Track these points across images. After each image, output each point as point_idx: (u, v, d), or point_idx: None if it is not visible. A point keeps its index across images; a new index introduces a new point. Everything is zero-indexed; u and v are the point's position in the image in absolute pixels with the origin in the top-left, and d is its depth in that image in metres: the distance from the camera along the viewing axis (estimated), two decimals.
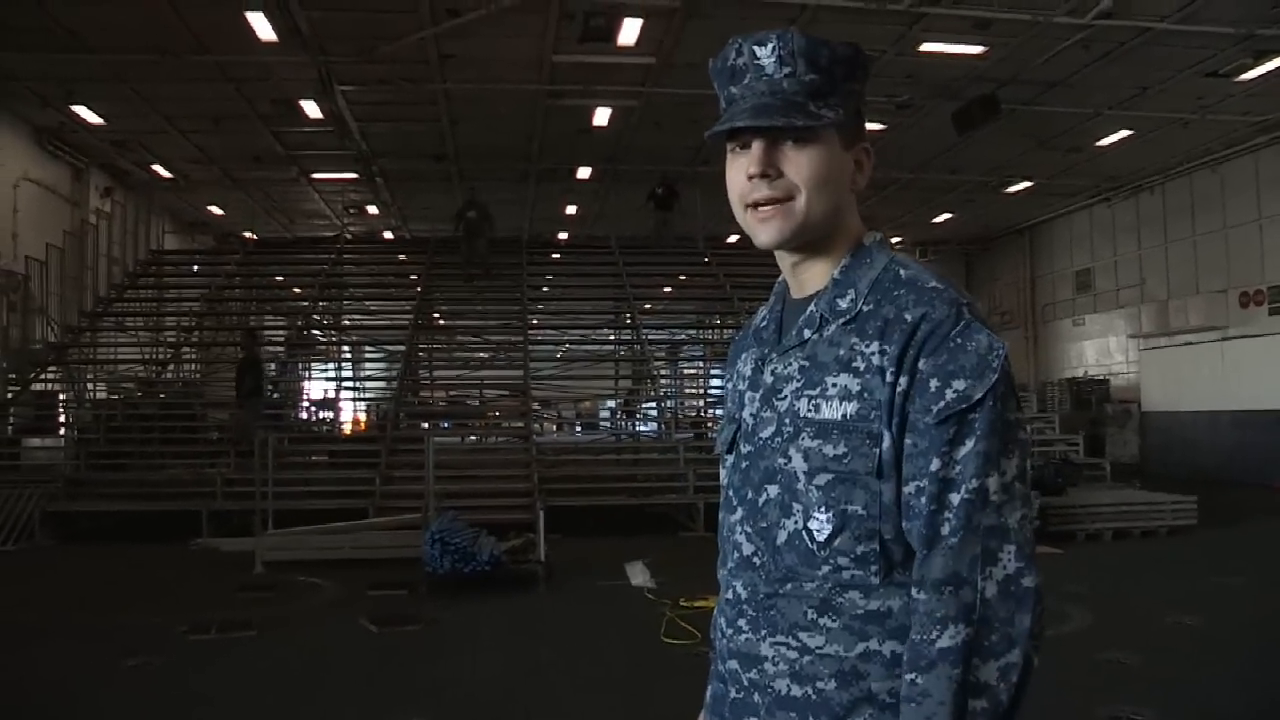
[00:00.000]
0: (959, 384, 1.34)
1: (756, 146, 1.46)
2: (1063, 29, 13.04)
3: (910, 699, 1.31)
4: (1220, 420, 18.02)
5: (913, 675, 1.32)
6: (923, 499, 1.35)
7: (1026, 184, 21.89)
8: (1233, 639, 6.85)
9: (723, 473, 1.62)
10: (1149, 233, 22.43)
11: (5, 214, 16.47)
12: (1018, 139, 18.11)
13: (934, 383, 1.35)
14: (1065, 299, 26.15)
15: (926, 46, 13.95)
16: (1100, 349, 24.76)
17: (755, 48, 1.46)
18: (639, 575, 9.08)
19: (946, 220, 25.87)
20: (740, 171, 1.48)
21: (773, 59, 1.45)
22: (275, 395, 16.79)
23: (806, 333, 1.49)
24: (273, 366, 18.00)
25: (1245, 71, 14.67)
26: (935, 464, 1.34)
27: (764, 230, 1.48)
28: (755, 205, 1.48)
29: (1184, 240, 21.36)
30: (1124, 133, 18.00)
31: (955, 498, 1.33)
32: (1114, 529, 11.53)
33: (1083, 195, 23.36)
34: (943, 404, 1.34)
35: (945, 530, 1.33)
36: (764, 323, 1.61)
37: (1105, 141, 18.56)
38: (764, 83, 1.45)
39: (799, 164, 1.45)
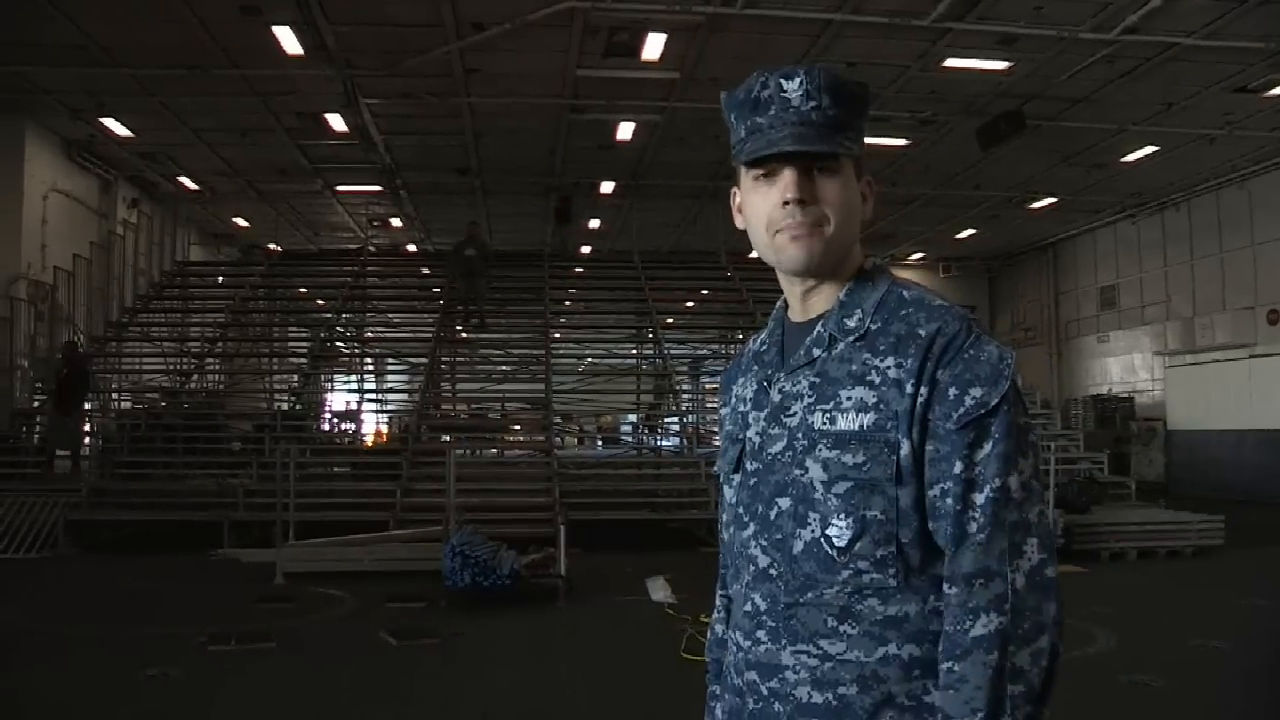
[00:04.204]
0: (976, 391, 1.43)
1: (789, 174, 1.52)
2: (1088, 45, 12.99)
3: (948, 686, 1.37)
4: (1247, 439, 17.82)
5: (949, 664, 1.38)
6: (949, 500, 1.42)
7: (1051, 200, 21.78)
8: (1261, 663, 6.76)
9: (729, 492, 1.67)
10: (1175, 249, 22.26)
11: (34, 225, 16.66)
12: (1042, 155, 18.03)
13: (953, 391, 1.43)
14: (1090, 315, 25.96)
15: (950, 62, 13.90)
16: (1125, 366, 24.56)
17: (783, 80, 1.53)
18: (659, 591, 9.05)
19: (970, 236, 25.75)
20: (767, 199, 1.54)
21: (800, 92, 1.52)
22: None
23: (816, 351, 1.55)
24: (295, 378, 18.10)
25: (1274, 87, 14.54)
26: (958, 467, 1.41)
27: (795, 249, 1.53)
28: (785, 229, 1.53)
29: (1210, 257, 21.16)
30: (1149, 149, 17.87)
31: (980, 497, 1.40)
32: (1139, 548, 11.40)
33: (1107, 211, 23.21)
34: (962, 410, 1.42)
35: (973, 528, 1.40)
36: (764, 347, 1.67)
37: (1130, 158, 18.43)
38: (792, 114, 1.52)
39: (829, 192, 1.53)
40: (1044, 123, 15.86)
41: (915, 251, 27.69)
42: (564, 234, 20.73)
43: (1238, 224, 20.25)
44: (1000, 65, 14.05)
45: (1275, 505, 15.97)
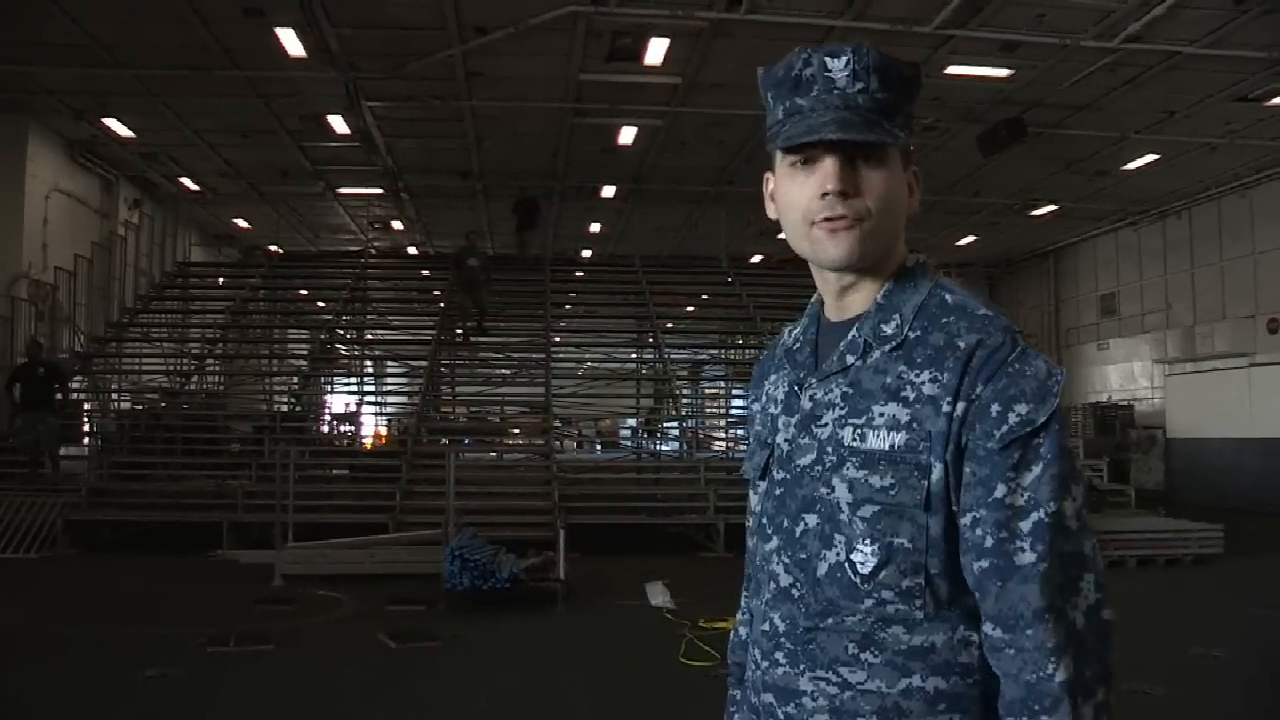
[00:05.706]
0: (1021, 408, 1.30)
1: (831, 163, 1.39)
2: (1090, 53, 13.00)
3: None
4: (1247, 448, 17.80)
5: (1042, 719, 1.26)
6: (980, 529, 1.30)
7: (1052, 207, 21.78)
8: (1260, 672, 6.75)
9: (753, 498, 1.57)
10: (1175, 257, 22.23)
11: (36, 225, 16.66)
12: (1043, 162, 18.04)
13: (995, 408, 1.31)
14: (1090, 323, 25.94)
15: (953, 69, 13.91)
16: (1125, 374, 24.54)
17: (828, 59, 1.40)
18: (658, 595, 9.04)
19: (971, 242, 25.73)
20: (805, 188, 1.42)
21: (846, 72, 1.40)
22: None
23: (849, 358, 1.43)
24: (295, 380, 18.08)
25: (1276, 96, 14.54)
26: (1000, 490, 1.29)
27: (836, 245, 1.41)
28: (825, 221, 1.42)
29: (1211, 265, 21.14)
30: (1151, 157, 17.87)
31: (1027, 525, 1.28)
32: (1138, 556, 11.37)
33: (1108, 219, 23.20)
34: (1006, 428, 1.29)
35: (1030, 558, 1.27)
36: (797, 344, 1.55)
37: (1132, 165, 18.43)
38: (836, 96, 1.40)
39: (873, 184, 1.40)
40: (1045, 130, 15.88)
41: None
42: (524, 241, 20.43)
43: (1239, 232, 20.23)
44: (1002, 72, 14.07)
45: (1275, 514, 15.94)
